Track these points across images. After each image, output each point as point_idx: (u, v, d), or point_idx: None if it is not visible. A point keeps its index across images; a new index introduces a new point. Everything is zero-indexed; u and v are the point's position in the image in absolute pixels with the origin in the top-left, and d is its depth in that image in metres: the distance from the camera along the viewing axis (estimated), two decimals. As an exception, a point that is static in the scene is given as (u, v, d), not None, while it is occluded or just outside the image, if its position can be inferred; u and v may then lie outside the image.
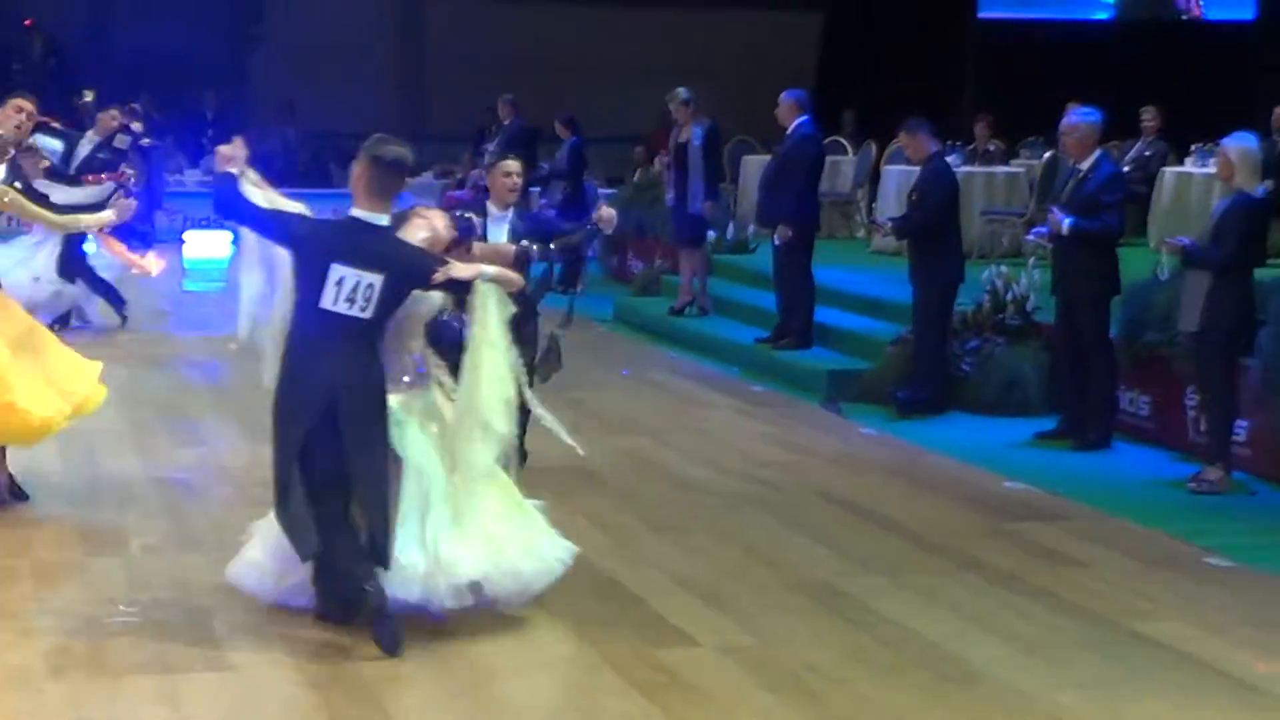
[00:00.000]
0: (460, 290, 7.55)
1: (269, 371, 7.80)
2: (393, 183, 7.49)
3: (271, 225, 7.60)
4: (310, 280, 7.35)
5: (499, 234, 10.18)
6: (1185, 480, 10.73)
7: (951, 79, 29.27)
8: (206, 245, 26.20)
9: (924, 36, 28.81)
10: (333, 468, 7.38)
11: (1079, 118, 11.88)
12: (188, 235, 26.79)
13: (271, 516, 7.62)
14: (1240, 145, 10.59)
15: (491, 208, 10.31)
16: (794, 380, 14.23)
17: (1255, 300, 10.67)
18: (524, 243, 10.05)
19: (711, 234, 18.25)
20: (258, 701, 6.89)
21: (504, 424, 7.60)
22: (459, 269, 7.47)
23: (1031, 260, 14.84)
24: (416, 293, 7.53)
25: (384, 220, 7.47)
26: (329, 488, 7.40)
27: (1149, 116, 19.32)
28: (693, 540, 9.32)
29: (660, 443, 11.77)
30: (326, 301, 7.29)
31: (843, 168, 21.54)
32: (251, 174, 7.76)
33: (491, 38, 30.52)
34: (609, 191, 22.80)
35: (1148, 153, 19.02)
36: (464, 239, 8.31)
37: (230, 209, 7.65)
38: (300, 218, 7.60)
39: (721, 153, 18.34)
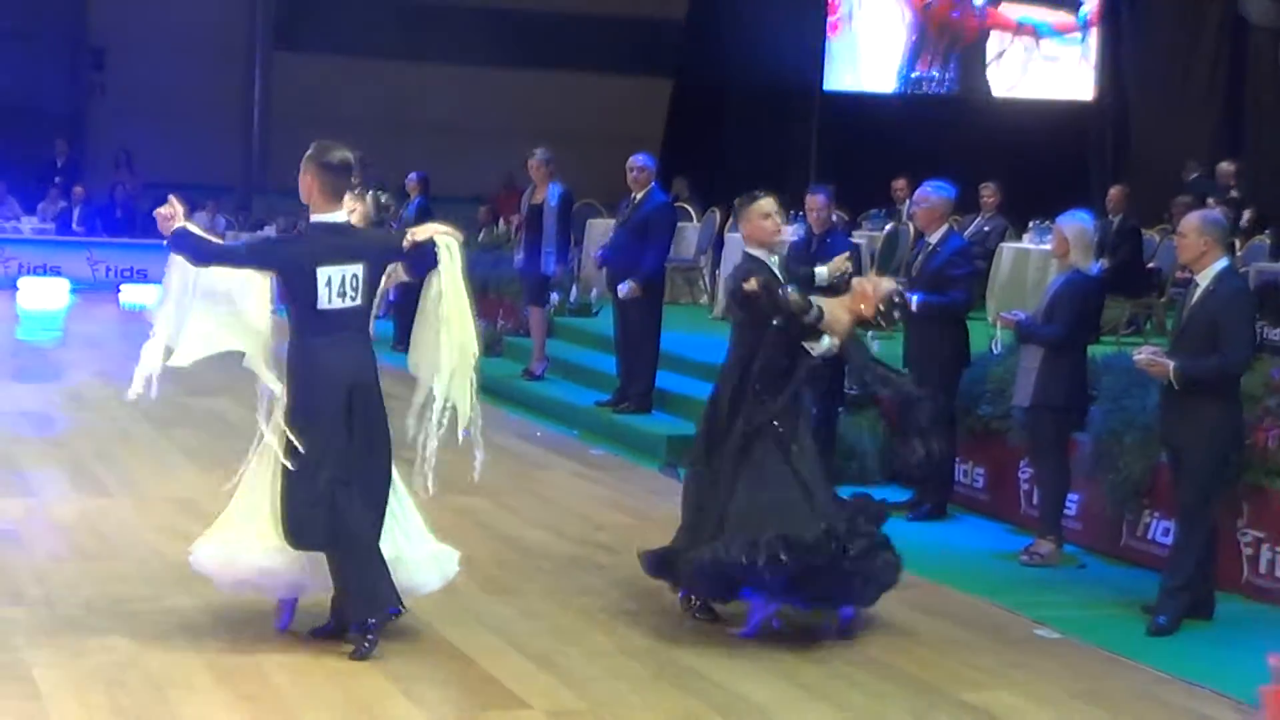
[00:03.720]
0: (425, 255, 8.26)
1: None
2: (342, 183, 8.23)
3: (254, 257, 8.28)
4: (302, 289, 8.03)
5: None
6: (1017, 552, 10.84)
7: (796, 149, 29.54)
8: (41, 294, 25.87)
9: (770, 107, 29.08)
10: (344, 461, 8.03)
11: (932, 190, 11.94)
12: (22, 283, 26.45)
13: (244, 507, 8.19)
14: (1075, 223, 10.74)
15: (757, 254, 9.03)
16: (633, 444, 14.24)
17: (1088, 376, 10.83)
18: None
19: (554, 296, 18.27)
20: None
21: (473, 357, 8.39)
22: (418, 231, 8.29)
23: (870, 331, 14.95)
24: None
25: (342, 217, 8.24)
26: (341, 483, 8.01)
27: (988, 193, 19.60)
28: (527, 603, 9.28)
29: (498, 504, 11.72)
30: (323, 302, 8.00)
31: (687, 234, 21.67)
32: (191, 225, 8.21)
33: (336, 93, 30.48)
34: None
35: (986, 228, 19.28)
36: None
37: (208, 255, 8.16)
38: (274, 240, 8.66)
39: (572, 215, 18.34)
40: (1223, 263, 9.21)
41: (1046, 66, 28.32)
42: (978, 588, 10.02)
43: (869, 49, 29.46)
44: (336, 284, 8.02)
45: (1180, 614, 9.20)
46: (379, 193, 9.05)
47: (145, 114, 29.90)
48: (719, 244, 20.74)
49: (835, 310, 8.87)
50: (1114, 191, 18.65)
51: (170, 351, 8.29)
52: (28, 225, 28.10)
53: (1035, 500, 11.25)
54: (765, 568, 8.29)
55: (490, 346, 19.09)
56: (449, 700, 7.54)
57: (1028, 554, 10.73)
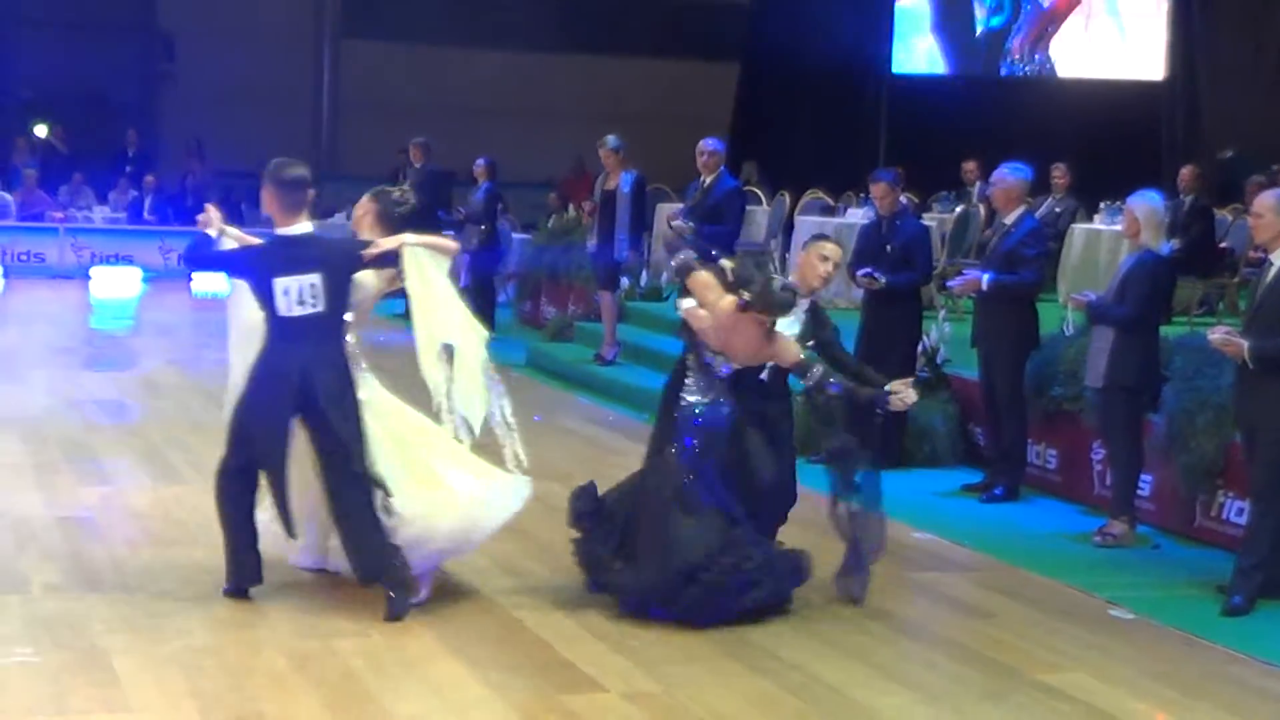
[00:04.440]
0: (392, 262, 8.52)
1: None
2: (299, 197, 8.62)
3: (227, 264, 8.79)
4: (263, 298, 8.44)
5: (789, 326, 9.01)
6: (1091, 533, 10.80)
7: (864, 132, 29.46)
8: (114, 282, 26.04)
9: (838, 89, 29.00)
10: (279, 458, 8.43)
11: (1009, 171, 11.89)
12: (94, 272, 26.63)
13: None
14: (1146, 203, 10.68)
15: (787, 281, 8.89)
16: (704, 428, 14.20)
17: (1160, 356, 10.78)
18: (816, 370, 8.80)
19: (625, 281, 18.28)
20: (158, 743, 6.84)
21: (475, 337, 8.82)
22: (384, 242, 8.52)
23: (942, 313, 14.91)
24: (359, 279, 8.60)
25: (306, 228, 8.57)
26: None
27: (1059, 173, 19.53)
28: (600, 586, 9.29)
29: (570, 488, 11.69)
30: (281, 310, 8.37)
31: (756, 217, 21.64)
32: (231, 230, 8.87)
33: (404, 80, 30.57)
34: (523, 236, 22.80)
35: (1058, 209, 19.19)
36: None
37: (194, 261, 8.92)
38: (243, 251, 8.70)
39: (646, 201, 18.37)
40: (1297, 242, 9.15)
41: (1118, 46, 28.14)
42: (1051, 569, 9.99)
43: (930, 30, 29.37)
44: (294, 293, 8.37)
45: (1255, 593, 9.15)
46: (393, 187, 9.27)
47: (215, 103, 30.07)
48: (789, 228, 20.69)
49: (724, 302, 9.02)
50: (1185, 171, 18.52)
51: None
52: (99, 214, 28.31)
53: (1108, 481, 11.21)
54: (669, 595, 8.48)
55: (561, 332, 19.22)
56: (525, 684, 7.56)
57: (1101, 535, 10.69)
